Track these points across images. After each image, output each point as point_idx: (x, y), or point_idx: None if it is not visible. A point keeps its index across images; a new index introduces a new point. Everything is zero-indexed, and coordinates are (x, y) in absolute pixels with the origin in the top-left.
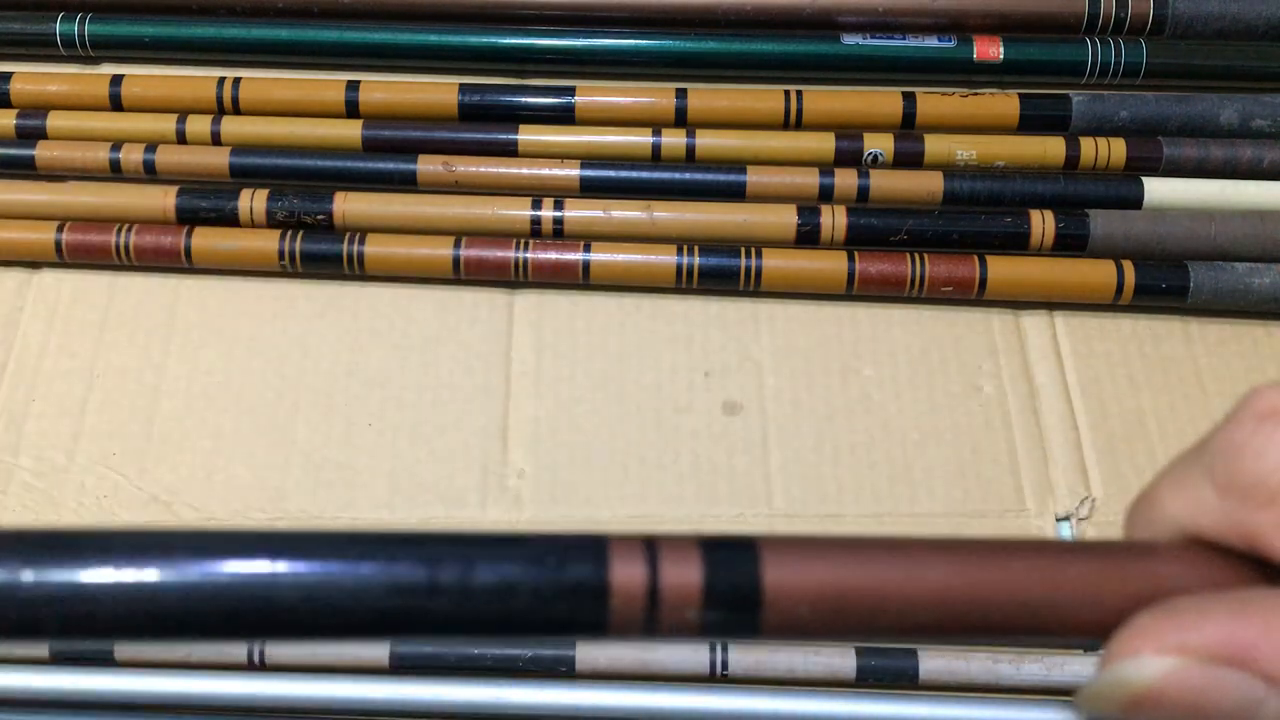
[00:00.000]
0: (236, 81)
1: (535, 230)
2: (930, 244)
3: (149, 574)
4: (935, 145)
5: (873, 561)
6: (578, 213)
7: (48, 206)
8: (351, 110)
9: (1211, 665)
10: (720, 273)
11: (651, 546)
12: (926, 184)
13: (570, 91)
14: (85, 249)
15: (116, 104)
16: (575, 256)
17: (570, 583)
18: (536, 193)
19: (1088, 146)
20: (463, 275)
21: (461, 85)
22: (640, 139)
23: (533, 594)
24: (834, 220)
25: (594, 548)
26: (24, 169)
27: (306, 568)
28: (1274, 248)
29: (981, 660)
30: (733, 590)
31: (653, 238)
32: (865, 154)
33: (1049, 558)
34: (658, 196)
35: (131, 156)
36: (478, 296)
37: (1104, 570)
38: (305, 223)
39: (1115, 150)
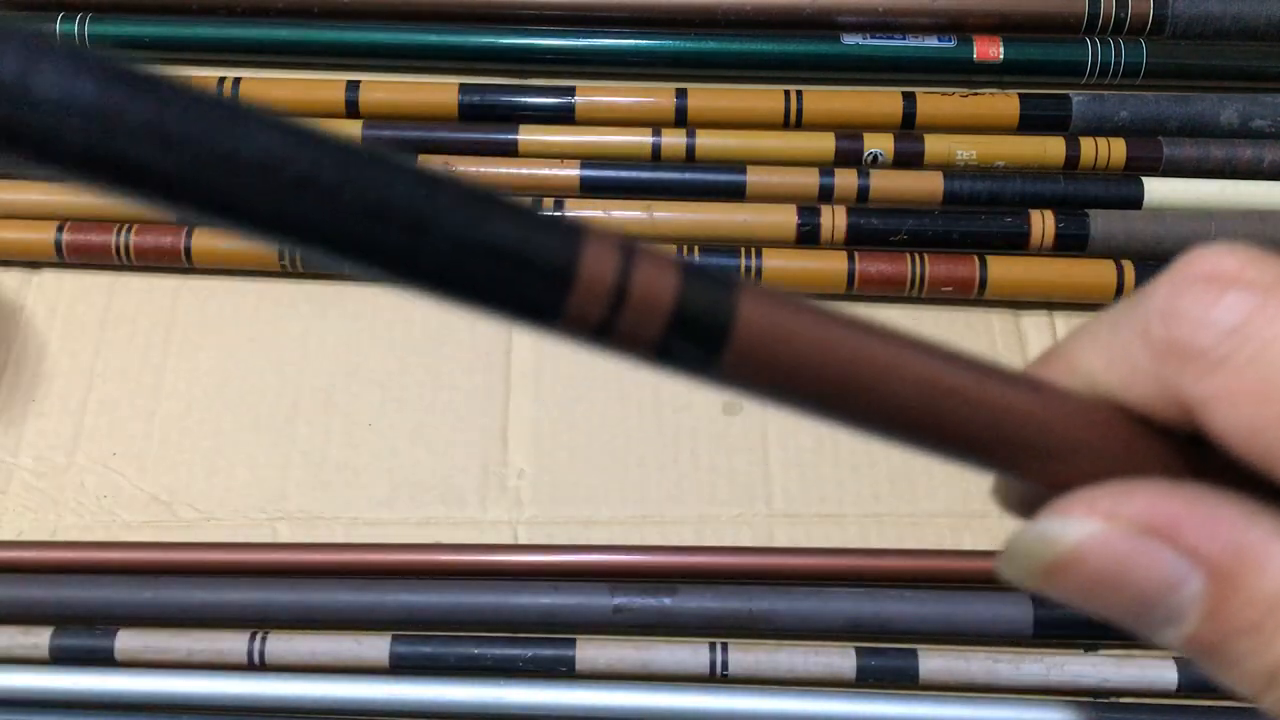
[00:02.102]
0: (236, 81)
1: None
2: (930, 244)
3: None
4: (935, 145)
5: (846, 329)
6: (578, 213)
7: (48, 206)
8: (351, 110)
9: (1138, 534)
10: None
11: (629, 247)
12: (926, 184)
13: (570, 91)
14: (85, 249)
15: None
16: None
17: (537, 254)
18: (536, 193)
19: (1088, 146)
20: None
21: (461, 85)
22: (640, 139)
23: (492, 253)
24: (834, 220)
25: (570, 229)
26: (24, 169)
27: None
28: (1274, 248)
29: (981, 660)
30: (703, 314)
31: (653, 238)
32: (865, 154)
33: (1011, 385)
34: (658, 196)
35: None
36: None
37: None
38: None
39: (1115, 150)
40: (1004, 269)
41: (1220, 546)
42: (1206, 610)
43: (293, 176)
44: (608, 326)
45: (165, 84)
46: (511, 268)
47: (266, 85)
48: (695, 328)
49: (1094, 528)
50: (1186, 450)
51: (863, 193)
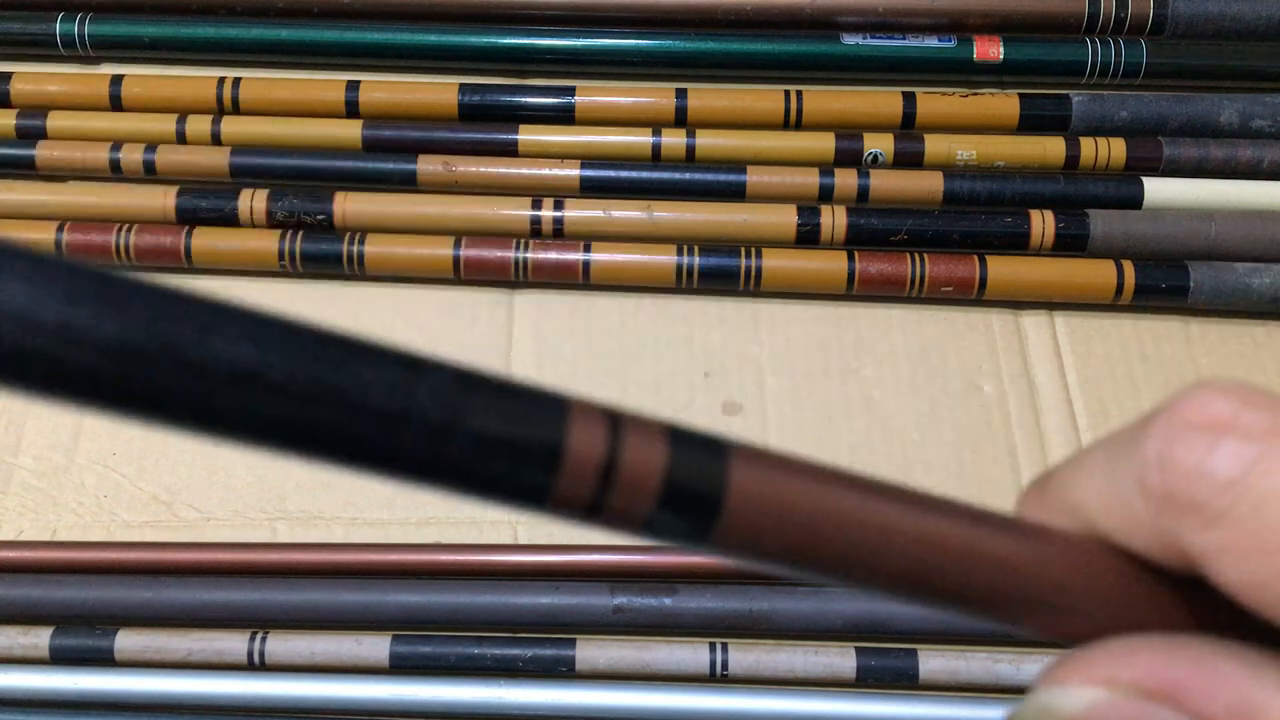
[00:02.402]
0: (236, 81)
1: (535, 230)
2: (930, 244)
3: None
4: (935, 145)
5: (838, 490)
6: (578, 213)
7: (48, 206)
8: (351, 110)
9: (1139, 699)
10: (720, 273)
11: (616, 421)
12: (926, 184)
13: (570, 91)
14: (85, 249)
15: (116, 104)
16: (575, 256)
17: (520, 438)
18: (536, 193)
19: (1088, 146)
20: (463, 275)
21: (461, 85)
22: (640, 139)
23: (473, 440)
24: (834, 220)
25: (555, 405)
26: (24, 169)
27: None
28: (1274, 248)
29: (981, 660)
30: (694, 488)
31: (653, 238)
32: (865, 154)
33: (1005, 536)
34: (658, 196)
35: (131, 156)
36: (478, 296)
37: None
38: (305, 223)
39: (1115, 150)
40: (1004, 269)
41: (1223, 707)
42: None
43: (266, 385)
44: (597, 506)
45: (130, 291)
46: (495, 455)
47: (266, 85)
48: (686, 502)
49: (1094, 696)
50: (1189, 594)
51: (863, 193)
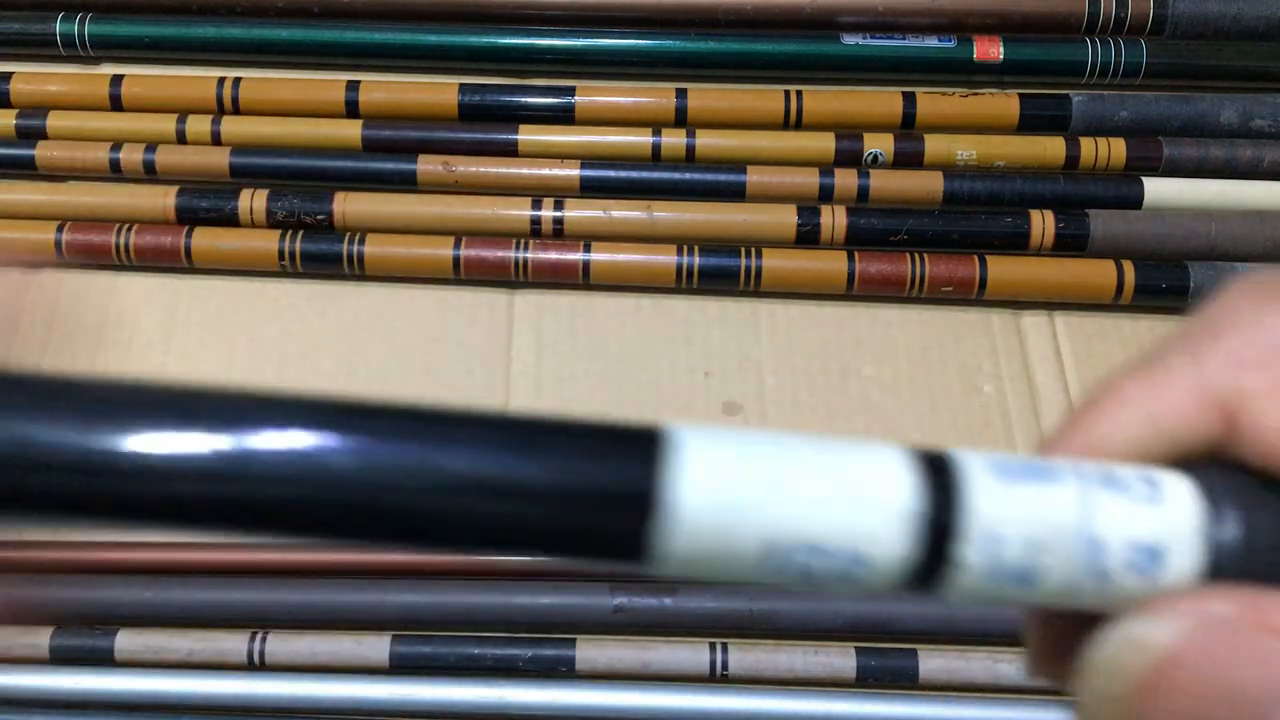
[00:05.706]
0: (236, 81)
1: (535, 230)
2: (930, 244)
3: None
4: (935, 145)
5: None
6: (578, 213)
7: (48, 206)
8: (351, 110)
9: (1237, 629)
10: (720, 273)
11: None
12: (926, 184)
13: (570, 91)
14: (85, 249)
15: (116, 104)
16: (575, 256)
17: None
18: (536, 193)
19: (1088, 146)
20: (463, 275)
21: (461, 85)
22: (640, 139)
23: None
24: (834, 220)
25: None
26: (24, 169)
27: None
28: (1274, 248)
29: (981, 660)
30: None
31: (653, 238)
32: (865, 154)
33: None
34: (658, 196)
35: (131, 156)
36: (478, 296)
37: None
38: (305, 223)
39: (1115, 150)
40: (1004, 269)
41: None
42: None
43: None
44: None
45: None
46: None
47: (266, 85)
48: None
49: (1187, 624)
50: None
51: (863, 193)
